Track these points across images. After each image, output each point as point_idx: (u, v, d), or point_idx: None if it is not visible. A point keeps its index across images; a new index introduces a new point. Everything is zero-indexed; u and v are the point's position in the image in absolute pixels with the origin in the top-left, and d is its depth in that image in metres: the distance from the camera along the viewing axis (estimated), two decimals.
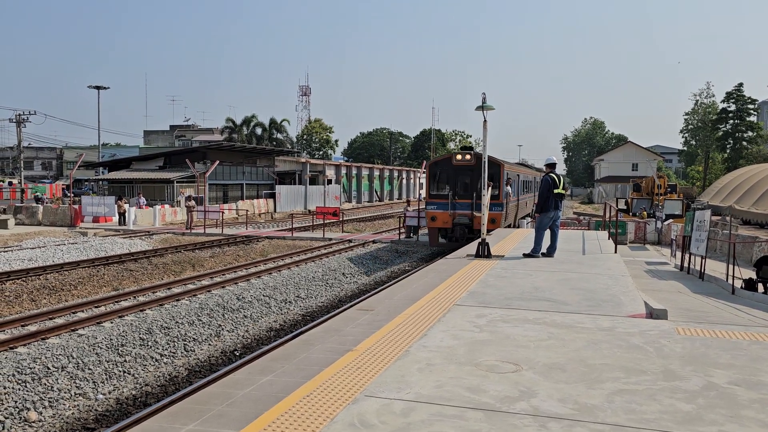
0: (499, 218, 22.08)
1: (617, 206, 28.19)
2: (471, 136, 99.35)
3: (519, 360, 5.51)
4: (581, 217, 41.53)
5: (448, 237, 23.19)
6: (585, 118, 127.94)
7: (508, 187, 22.37)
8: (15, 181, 56.93)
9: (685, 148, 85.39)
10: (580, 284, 9.56)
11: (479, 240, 12.90)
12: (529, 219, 30.12)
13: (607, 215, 23.23)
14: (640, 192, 41.61)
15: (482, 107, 13.08)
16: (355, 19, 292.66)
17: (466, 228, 22.37)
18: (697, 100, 79.87)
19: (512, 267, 11.28)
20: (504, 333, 6.48)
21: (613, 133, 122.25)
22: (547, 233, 12.74)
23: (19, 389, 9.60)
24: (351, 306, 6.75)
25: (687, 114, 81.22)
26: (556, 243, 12.75)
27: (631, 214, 36.68)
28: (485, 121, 13.08)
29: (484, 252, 12.51)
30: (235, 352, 12.46)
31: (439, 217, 22.70)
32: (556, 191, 12.42)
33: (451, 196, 22.62)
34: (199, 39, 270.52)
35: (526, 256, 12.57)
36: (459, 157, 22.63)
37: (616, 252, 14.21)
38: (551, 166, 12.78)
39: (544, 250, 12.62)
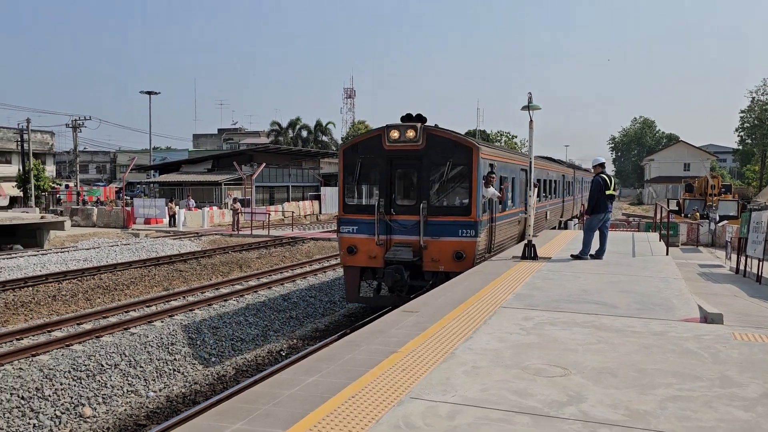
0: (470, 249, 12.18)
1: (668, 207, 27.41)
2: (516, 137, 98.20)
3: (567, 364, 5.40)
4: (631, 219, 40.57)
5: (378, 283, 13.52)
6: (635, 117, 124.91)
7: (491, 189, 12.90)
8: (71, 184, 59.01)
9: (741, 147, 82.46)
10: (631, 287, 9.32)
11: (525, 241, 12.70)
12: (576, 220, 29.58)
13: (658, 216, 22.61)
14: (693, 192, 40.39)
15: (528, 107, 12.88)
16: (400, 20, 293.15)
17: (409, 269, 12.41)
18: (753, 98, 76.90)
19: (559, 269, 11.08)
20: (551, 336, 6.36)
21: (663, 133, 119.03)
22: (596, 235, 12.48)
23: (75, 385, 9.92)
24: (396, 307, 6.67)
25: (743, 112, 78.35)
26: (606, 245, 12.48)
27: (683, 215, 35.65)
28: (531, 120, 12.90)
29: (530, 254, 12.33)
30: (281, 352, 12.60)
31: (361, 248, 12.81)
32: (607, 192, 12.16)
33: (383, 207, 12.61)
34: (246, 44, 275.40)
35: (573, 257, 12.34)
36: (395, 134, 12.51)
37: (667, 254, 13.82)
38: (601, 166, 12.53)
39: (592, 251, 12.37)
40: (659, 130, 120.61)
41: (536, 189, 15.37)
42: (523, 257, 12.32)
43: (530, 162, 13.23)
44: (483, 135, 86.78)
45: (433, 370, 5.21)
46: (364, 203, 13.27)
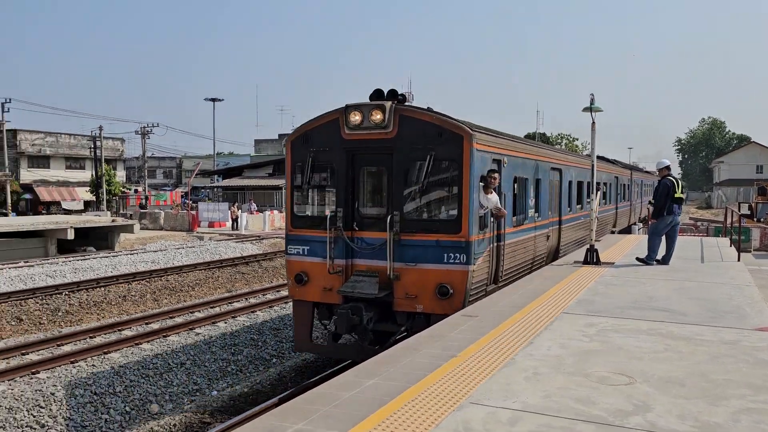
0: (460, 282, 8.79)
1: (740, 211, 26.20)
2: (578, 139, 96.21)
3: (632, 372, 5.25)
4: (699, 223, 39.09)
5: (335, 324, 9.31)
6: (703, 118, 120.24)
7: (493, 196, 9.35)
8: (140, 189, 61.38)
9: None
10: (699, 294, 8.98)
11: (587, 246, 12.41)
12: (641, 225, 28.67)
13: (729, 221, 21.70)
14: (766, 195, 38.57)
15: (590, 108, 12.59)
16: (457, 23, 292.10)
17: (374, 308, 9.17)
18: None
19: (623, 274, 10.78)
20: (615, 343, 6.20)
21: (733, 133, 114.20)
22: (663, 240, 12.09)
23: (144, 383, 10.30)
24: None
25: None
26: (673, 250, 12.06)
27: (755, 219, 34.06)
28: (593, 123, 12.61)
29: (592, 258, 12.04)
30: None
31: (314, 276, 9.58)
32: (675, 196, 11.76)
33: (341, 219, 9.39)
34: (305, 49, 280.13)
35: (639, 260, 12.00)
36: (356, 117, 9.22)
37: (739, 260, 13.24)
38: (668, 168, 12.15)
39: (658, 257, 11.98)
40: (729, 130, 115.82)
41: (599, 193, 14.99)
42: (585, 262, 12.05)
43: (593, 165, 12.93)
44: (543, 138, 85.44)
45: (493, 375, 5.16)
46: (318, 215, 9.86)
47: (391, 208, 9.14)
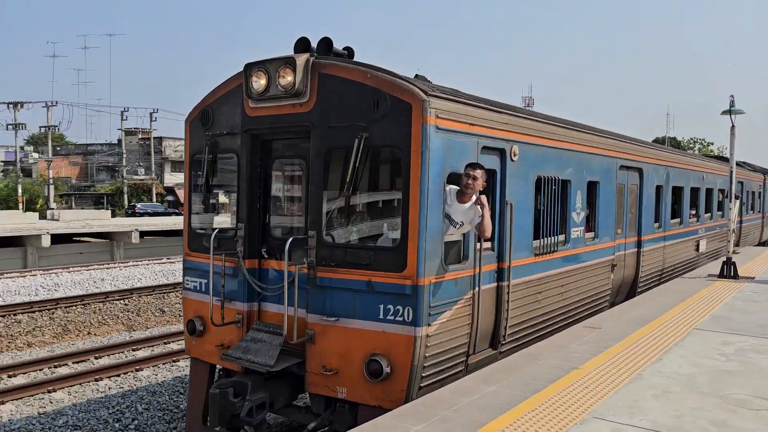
0: (402, 355, 5.18)
1: None
2: (713, 143, 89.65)
3: None
4: None
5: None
6: None
7: (465, 207, 5.64)
8: None
9: None
10: None
11: (724, 259, 11.58)
12: None
13: None
14: None
15: (729, 111, 11.81)
16: (579, 24, 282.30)
17: (274, 385, 6.01)
18: None
19: (766, 290, 9.98)
20: (757, 365, 5.78)
21: None
22: None
23: None
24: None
25: None
26: None
27: None
28: (733, 126, 11.80)
29: (729, 272, 11.24)
30: None
31: (212, 327, 6.29)
32: None
33: (242, 241, 6.22)
34: (430, 52, 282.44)
35: None
36: (259, 81, 5.82)
37: None
38: None
39: None
40: None
41: (737, 201, 13.98)
42: (721, 275, 11.29)
43: (731, 172, 12.07)
44: (673, 142, 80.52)
45: (617, 390, 5.00)
46: (208, 231, 6.78)
47: (305, 226, 5.93)
